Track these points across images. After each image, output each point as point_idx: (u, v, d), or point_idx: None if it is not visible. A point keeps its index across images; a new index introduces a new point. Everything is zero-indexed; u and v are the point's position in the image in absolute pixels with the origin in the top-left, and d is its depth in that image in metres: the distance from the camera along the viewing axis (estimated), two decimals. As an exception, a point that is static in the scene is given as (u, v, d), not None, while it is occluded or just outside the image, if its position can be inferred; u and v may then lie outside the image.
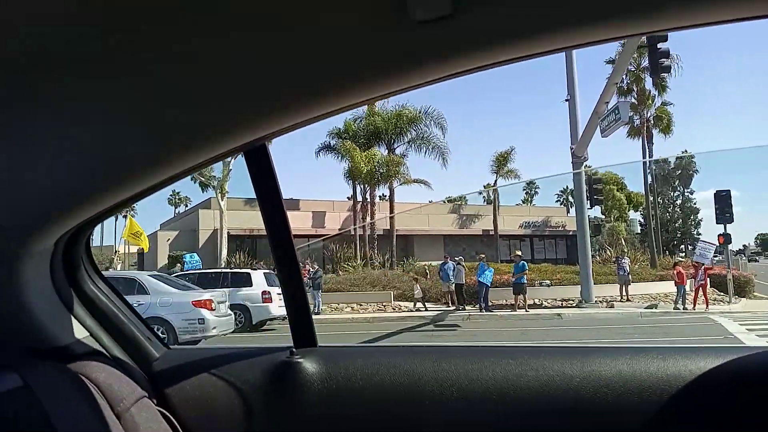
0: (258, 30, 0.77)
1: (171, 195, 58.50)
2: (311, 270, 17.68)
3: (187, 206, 51.06)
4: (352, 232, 27.88)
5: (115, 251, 20.85)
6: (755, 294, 21.06)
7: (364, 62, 0.83)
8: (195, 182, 28.59)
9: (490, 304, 17.33)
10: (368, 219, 28.10)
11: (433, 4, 0.71)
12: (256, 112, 0.93)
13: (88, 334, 1.42)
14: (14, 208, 1.02)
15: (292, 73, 0.85)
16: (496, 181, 32.87)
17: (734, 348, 1.33)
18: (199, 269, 18.79)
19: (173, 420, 1.38)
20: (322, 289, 17.78)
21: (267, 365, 1.50)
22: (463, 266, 18.37)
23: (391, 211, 28.39)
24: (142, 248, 21.56)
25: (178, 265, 17.43)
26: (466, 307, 17.44)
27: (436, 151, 28.11)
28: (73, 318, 1.37)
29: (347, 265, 24.75)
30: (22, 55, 0.81)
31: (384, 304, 18.62)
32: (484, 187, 46.14)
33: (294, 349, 1.52)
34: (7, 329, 1.21)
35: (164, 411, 1.38)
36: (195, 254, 18.67)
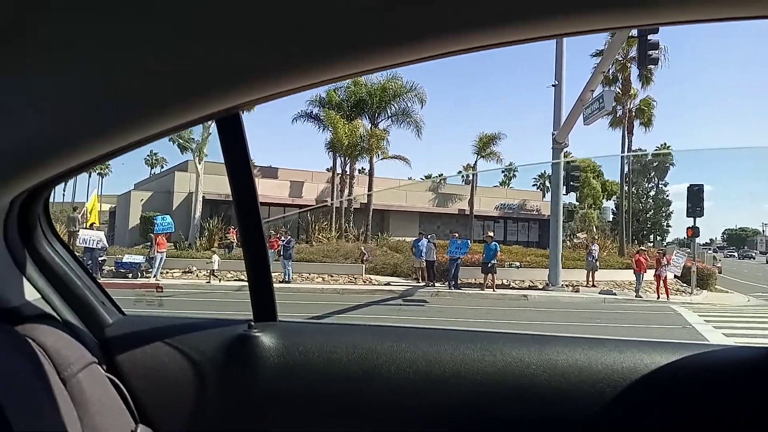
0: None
1: (148, 155, 57.49)
2: (284, 239, 17.64)
3: (163, 167, 50.21)
4: (329, 205, 27.80)
5: (74, 208, 20.30)
6: (717, 287, 21.65)
7: (342, 38, 0.81)
8: (174, 144, 28.00)
9: (459, 282, 17.55)
10: (346, 192, 27.99)
11: None
12: (231, 81, 0.90)
13: (40, 296, 1.37)
14: None
15: (268, 44, 0.82)
16: (476, 161, 32.97)
17: (690, 344, 1.34)
18: (171, 232, 18.57)
19: (122, 387, 1.36)
20: (294, 258, 17.79)
21: (224, 337, 1.48)
22: (434, 244, 18.51)
23: (370, 185, 28.30)
24: (114, 208, 21.28)
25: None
26: (436, 284, 17.61)
27: (415, 127, 28.02)
28: (24, 279, 1.33)
29: (321, 236, 24.73)
30: None
31: (355, 276, 18.70)
32: (464, 168, 46.23)
33: (253, 323, 1.50)
34: None
35: (113, 378, 1.35)
36: (168, 216, 18.39)
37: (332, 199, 28.20)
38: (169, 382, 1.44)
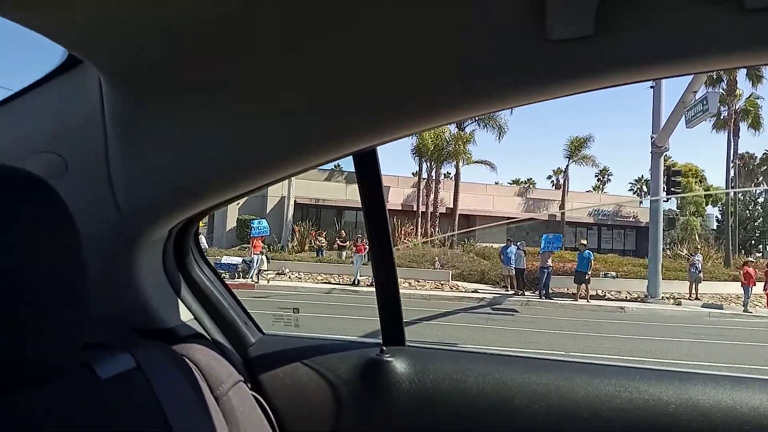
0: (389, 43, 0.80)
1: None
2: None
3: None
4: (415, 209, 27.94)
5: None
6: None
7: (491, 78, 0.82)
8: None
9: (550, 291, 17.08)
10: (431, 196, 28.00)
11: (574, 25, 0.71)
12: (378, 121, 0.94)
13: (192, 317, 1.45)
14: (139, 200, 1.09)
15: (416, 85, 0.86)
16: (567, 166, 31.94)
17: None
18: (267, 235, 19.32)
19: (266, 406, 1.39)
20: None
21: (358, 360, 1.49)
22: (524, 251, 18.08)
23: (456, 190, 28.15)
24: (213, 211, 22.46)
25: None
26: (526, 293, 17.23)
27: (498, 130, 27.72)
28: (179, 301, 1.41)
29: (407, 241, 24.85)
30: (159, 50, 0.87)
31: (441, 282, 18.65)
32: (554, 172, 44.99)
33: (384, 347, 1.52)
34: (122, 310, 1.26)
35: (258, 396, 1.39)
36: (264, 220, 19.15)
37: (418, 204, 28.27)
38: (310, 403, 1.46)
